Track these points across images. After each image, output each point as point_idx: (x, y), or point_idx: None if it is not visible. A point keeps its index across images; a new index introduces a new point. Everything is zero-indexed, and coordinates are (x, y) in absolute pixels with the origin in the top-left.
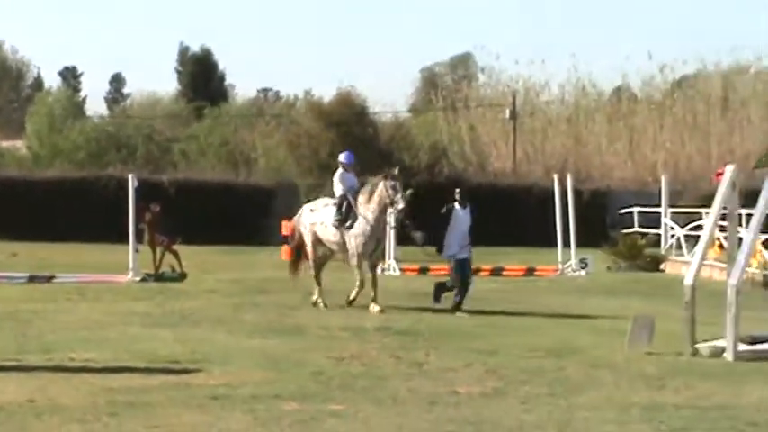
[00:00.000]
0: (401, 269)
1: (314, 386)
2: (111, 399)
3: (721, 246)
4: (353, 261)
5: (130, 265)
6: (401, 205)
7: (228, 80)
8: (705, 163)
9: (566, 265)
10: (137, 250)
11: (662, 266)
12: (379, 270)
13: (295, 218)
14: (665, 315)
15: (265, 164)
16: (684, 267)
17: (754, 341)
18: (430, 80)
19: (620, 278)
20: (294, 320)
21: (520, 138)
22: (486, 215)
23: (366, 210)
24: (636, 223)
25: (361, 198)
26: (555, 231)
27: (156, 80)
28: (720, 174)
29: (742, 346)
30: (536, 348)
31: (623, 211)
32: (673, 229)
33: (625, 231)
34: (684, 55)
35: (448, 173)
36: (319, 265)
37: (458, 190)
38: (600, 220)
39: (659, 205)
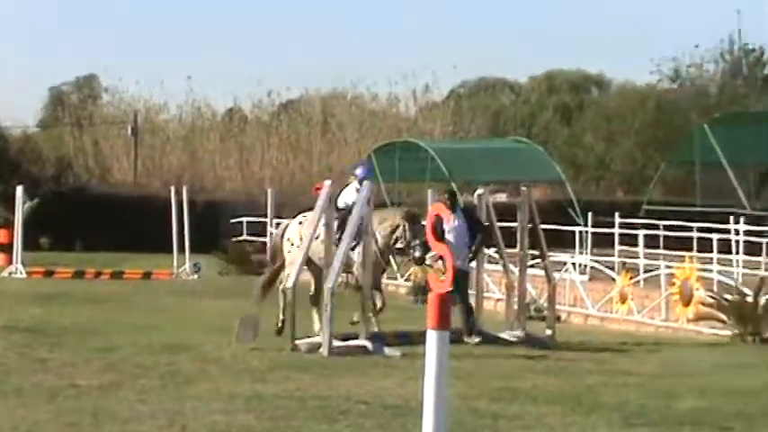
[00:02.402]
0: (27, 272)
1: None
2: None
3: None
4: (365, 280)
5: None
6: (418, 254)
7: None
8: (306, 178)
9: (180, 269)
10: None
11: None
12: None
13: (276, 232)
14: (269, 315)
15: None
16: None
17: (346, 338)
18: (58, 98)
19: (230, 281)
20: None
21: (141, 153)
22: (107, 223)
23: (376, 230)
24: (245, 231)
25: (374, 219)
26: (172, 238)
27: None
28: (319, 188)
29: (336, 343)
30: (151, 345)
31: (234, 220)
32: None
33: (235, 239)
34: (290, 81)
35: (72, 183)
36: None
37: (446, 195)
38: (213, 229)
39: (266, 215)
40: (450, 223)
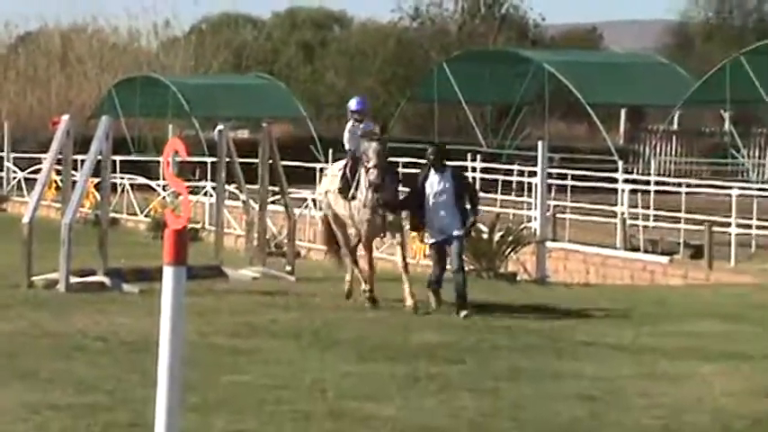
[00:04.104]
0: None
1: None
2: None
3: (58, 187)
4: (363, 240)
5: None
6: (372, 177)
7: None
8: (45, 113)
9: None
10: None
11: (4, 206)
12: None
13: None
14: (5, 251)
15: None
16: (24, 207)
17: (84, 274)
18: None
19: None
20: None
21: None
22: None
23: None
24: None
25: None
26: None
27: None
28: (56, 123)
29: (73, 279)
30: None
31: None
32: (15, 172)
33: None
34: (28, 13)
35: None
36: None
37: (430, 149)
38: None
39: (2, 150)
40: (435, 186)
